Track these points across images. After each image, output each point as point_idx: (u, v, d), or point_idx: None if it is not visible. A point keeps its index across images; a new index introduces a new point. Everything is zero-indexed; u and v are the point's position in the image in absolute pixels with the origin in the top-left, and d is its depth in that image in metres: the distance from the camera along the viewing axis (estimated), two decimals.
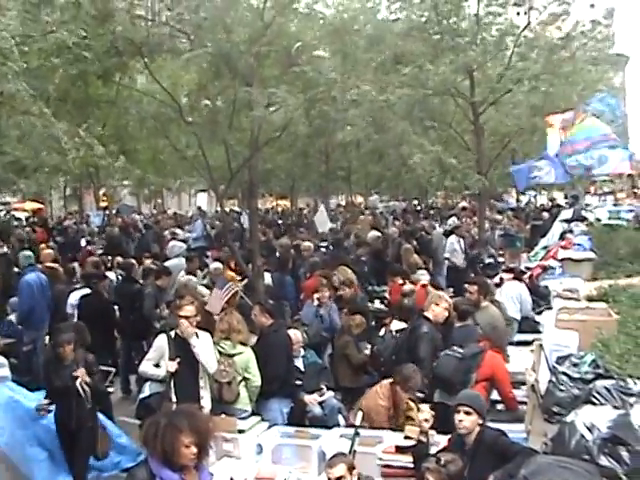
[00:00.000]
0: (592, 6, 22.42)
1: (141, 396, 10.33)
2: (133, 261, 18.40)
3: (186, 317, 10.12)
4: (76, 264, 19.73)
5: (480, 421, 7.33)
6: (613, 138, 20.32)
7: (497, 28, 21.18)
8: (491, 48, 21.21)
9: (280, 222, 36.48)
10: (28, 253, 16.31)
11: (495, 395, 10.27)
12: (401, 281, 16.08)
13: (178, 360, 9.96)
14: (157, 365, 10.23)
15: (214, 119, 16.55)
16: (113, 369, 12.86)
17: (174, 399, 9.92)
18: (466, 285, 13.37)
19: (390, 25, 20.31)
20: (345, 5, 21.51)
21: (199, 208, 42.32)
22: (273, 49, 15.62)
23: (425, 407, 8.53)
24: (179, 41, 15.48)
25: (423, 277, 16.05)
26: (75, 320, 13.93)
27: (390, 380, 10.26)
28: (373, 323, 14.48)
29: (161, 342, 10.23)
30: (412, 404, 9.90)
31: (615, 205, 22.29)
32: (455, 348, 10.28)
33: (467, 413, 7.34)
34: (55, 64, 14.81)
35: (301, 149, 26.32)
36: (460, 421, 7.35)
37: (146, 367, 10.23)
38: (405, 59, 18.99)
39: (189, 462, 6.32)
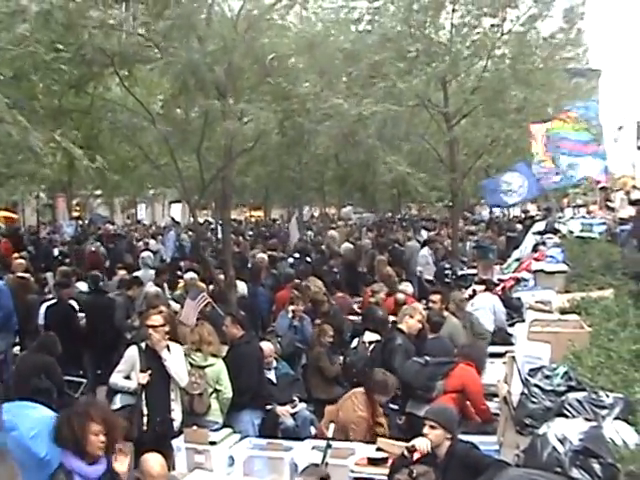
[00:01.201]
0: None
1: (113, 408, 10.25)
2: (98, 273, 18.37)
3: (153, 326, 10.08)
4: (49, 274, 19.62)
5: (448, 435, 7.31)
6: (593, 148, 20.43)
7: (471, 39, 21.24)
8: (465, 59, 21.28)
9: (252, 233, 36.48)
10: None
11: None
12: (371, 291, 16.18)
13: (149, 372, 9.91)
14: (127, 377, 10.18)
15: (186, 129, 16.52)
16: (84, 380, 12.83)
17: (145, 411, 9.88)
18: (430, 296, 13.50)
19: (364, 37, 20.32)
20: (319, 17, 21.53)
21: (172, 219, 42.16)
22: (247, 60, 15.58)
23: None
24: (151, 51, 15.39)
25: (408, 289, 16.09)
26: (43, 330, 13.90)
27: (362, 389, 10.24)
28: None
29: (132, 353, 10.18)
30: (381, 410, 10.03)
31: (587, 218, 22.33)
32: (425, 357, 10.33)
33: (432, 427, 7.33)
34: (28, 75, 14.74)
35: (274, 160, 26.28)
36: (426, 434, 7.35)
37: (116, 379, 10.18)
38: (379, 72, 18.98)
39: (98, 451, 6.57)
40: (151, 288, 16.53)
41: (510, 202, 24.18)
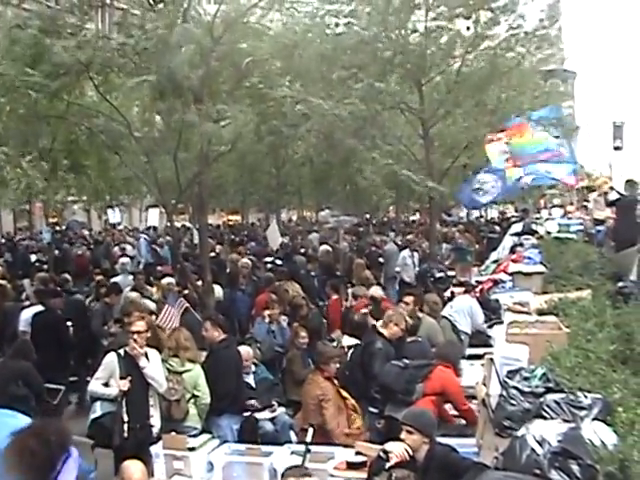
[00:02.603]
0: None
1: (93, 416, 10.19)
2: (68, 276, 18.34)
3: (138, 332, 10.11)
4: (26, 281, 19.51)
5: (425, 439, 7.29)
6: (559, 153, 20.51)
7: (444, 41, 21.28)
8: (439, 60, 21.34)
9: (232, 237, 36.34)
10: None
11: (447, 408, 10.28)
12: (335, 296, 16.23)
13: (129, 379, 9.89)
14: (106, 384, 10.14)
15: (163, 135, 16.48)
16: (62, 387, 12.74)
17: (126, 418, 9.86)
18: (403, 297, 13.52)
19: (339, 39, 20.31)
20: (294, 20, 21.51)
21: (147, 228, 41.98)
22: (223, 64, 15.55)
23: None
24: (126, 60, 15.32)
25: (377, 292, 16.05)
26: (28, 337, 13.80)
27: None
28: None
29: (110, 360, 10.16)
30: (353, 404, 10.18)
31: (564, 218, 22.42)
32: (403, 360, 10.34)
33: (409, 432, 7.31)
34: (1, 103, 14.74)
35: (251, 164, 26.27)
36: (404, 440, 7.33)
37: (95, 387, 10.16)
38: (355, 75, 18.99)
39: None
40: (131, 293, 16.45)
41: (482, 201, 24.24)
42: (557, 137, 20.84)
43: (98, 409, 10.14)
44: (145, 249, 28.64)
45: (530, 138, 20.84)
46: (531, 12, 22.85)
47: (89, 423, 10.25)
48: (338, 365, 11.01)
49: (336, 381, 10.91)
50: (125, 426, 9.89)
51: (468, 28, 21.52)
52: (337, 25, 21.08)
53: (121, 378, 9.97)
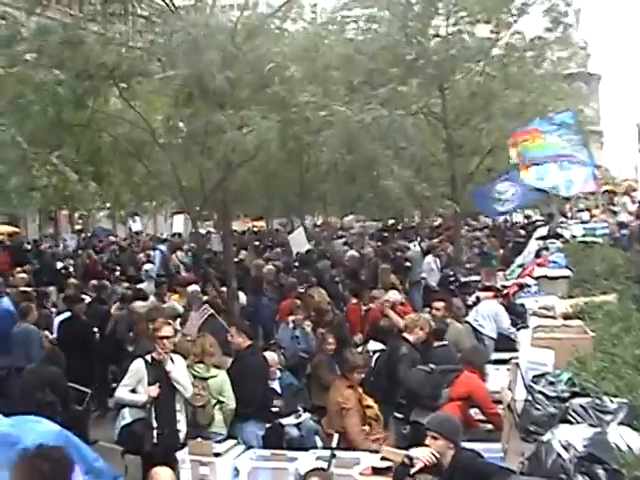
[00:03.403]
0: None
1: (123, 423, 10.19)
2: (106, 283, 18.40)
3: (167, 337, 10.14)
4: (52, 288, 19.60)
5: (450, 445, 7.26)
6: (575, 158, 20.38)
7: (466, 46, 21.26)
8: (460, 65, 21.33)
9: (256, 244, 36.31)
10: None
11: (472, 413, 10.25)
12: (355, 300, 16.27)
13: (158, 384, 9.93)
14: (133, 390, 10.17)
15: (187, 141, 16.51)
16: (89, 390, 12.80)
17: (155, 424, 9.89)
18: (433, 303, 13.49)
19: (360, 44, 20.32)
20: (314, 26, 21.54)
21: (173, 235, 41.96)
22: (245, 71, 15.57)
23: None
24: (151, 64, 15.38)
25: (394, 296, 16.02)
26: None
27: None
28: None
29: (137, 367, 10.18)
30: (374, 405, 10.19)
31: (590, 222, 22.30)
32: (429, 365, 10.32)
33: (434, 437, 7.28)
34: (27, 98, 14.78)
35: (275, 170, 26.25)
36: (429, 445, 7.31)
37: (123, 393, 10.19)
38: (376, 80, 18.96)
39: None
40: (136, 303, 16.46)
41: (502, 210, 24.20)
42: (572, 142, 20.72)
43: (127, 416, 10.15)
44: (159, 262, 28.52)
45: (542, 142, 20.75)
46: (540, 16, 22.88)
47: (119, 430, 10.26)
48: (362, 375, 11.00)
49: (360, 389, 10.90)
50: (154, 432, 9.94)
51: (492, 32, 21.51)
52: (357, 29, 21.12)
53: (149, 384, 10.01)
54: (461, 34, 21.24)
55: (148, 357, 10.25)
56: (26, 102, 14.84)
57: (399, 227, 42.23)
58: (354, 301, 16.65)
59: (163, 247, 32.14)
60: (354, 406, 10.58)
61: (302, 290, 17.27)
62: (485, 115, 22.88)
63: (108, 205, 38.53)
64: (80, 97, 15.62)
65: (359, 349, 13.06)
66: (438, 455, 7.19)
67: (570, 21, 23.75)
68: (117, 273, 24.24)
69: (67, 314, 15.23)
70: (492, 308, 14.39)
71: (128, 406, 10.21)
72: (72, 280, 19.46)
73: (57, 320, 15.26)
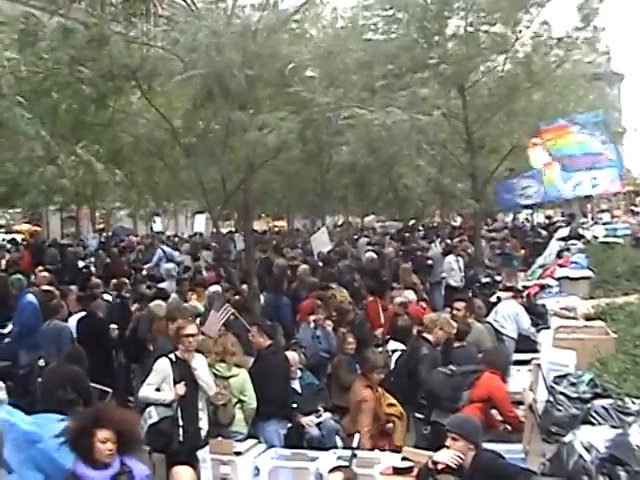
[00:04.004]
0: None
1: (150, 422, 10.19)
2: (125, 280, 18.48)
3: (192, 335, 10.18)
4: (74, 287, 19.65)
5: (471, 446, 7.25)
6: (603, 157, 20.32)
7: (485, 45, 21.22)
8: (479, 64, 21.30)
9: (276, 243, 36.32)
10: (18, 276, 16.16)
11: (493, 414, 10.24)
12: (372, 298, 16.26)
13: (184, 383, 9.98)
14: (157, 389, 10.19)
15: (208, 141, 16.55)
16: (109, 390, 12.84)
17: (181, 422, 9.94)
18: (454, 303, 13.47)
19: (377, 45, 20.31)
20: (334, 27, 21.55)
21: (194, 234, 41.94)
22: (266, 71, 15.59)
23: None
24: (173, 64, 15.41)
25: (410, 295, 16.01)
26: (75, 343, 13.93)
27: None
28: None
29: (163, 366, 10.21)
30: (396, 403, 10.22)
31: (611, 223, 22.26)
32: (450, 366, 10.30)
33: (454, 439, 7.27)
34: (49, 93, 14.84)
35: (296, 170, 26.29)
36: (449, 447, 7.31)
37: (148, 392, 10.18)
38: (395, 84, 18.93)
39: (106, 458, 6.70)
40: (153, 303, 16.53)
41: (523, 203, 24.18)
42: (601, 141, 20.67)
43: (154, 415, 10.13)
44: (156, 262, 28.44)
45: (572, 140, 20.70)
46: (565, 15, 22.82)
47: (146, 429, 10.25)
48: (382, 376, 11.00)
49: (380, 389, 10.90)
50: (180, 430, 9.99)
51: (513, 32, 21.47)
52: (375, 29, 21.11)
53: (175, 383, 10.04)
54: (478, 33, 21.18)
55: (172, 356, 10.27)
56: (49, 97, 14.91)
57: (420, 227, 42.16)
58: (371, 299, 16.65)
59: (165, 247, 32.28)
60: (369, 406, 10.60)
61: (322, 290, 17.23)
62: (506, 114, 22.84)
63: (128, 204, 38.75)
64: (102, 97, 15.68)
65: (379, 349, 13.03)
66: (463, 457, 7.19)
67: (601, 23, 23.72)
68: (144, 272, 24.23)
69: (82, 313, 15.26)
70: (513, 308, 14.38)
71: (153, 405, 10.22)
72: (94, 280, 19.48)
73: (73, 319, 15.26)
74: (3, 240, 37.54)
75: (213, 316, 13.95)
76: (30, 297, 15.35)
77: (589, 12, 22.64)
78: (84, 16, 16.57)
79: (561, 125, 21.28)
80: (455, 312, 13.34)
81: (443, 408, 9.92)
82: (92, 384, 12.00)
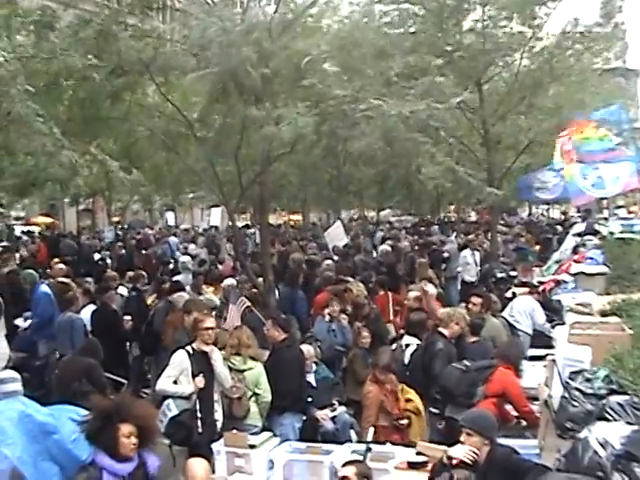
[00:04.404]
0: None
1: (170, 414, 10.17)
2: (142, 272, 18.52)
3: (211, 329, 10.25)
4: (90, 279, 19.69)
5: (485, 441, 7.25)
6: (621, 152, 20.23)
7: (502, 41, 21.17)
8: (496, 59, 21.26)
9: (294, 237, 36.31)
10: (30, 271, 16.19)
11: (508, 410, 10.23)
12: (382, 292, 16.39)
13: (202, 375, 10.01)
14: (174, 382, 10.21)
15: (224, 135, 16.55)
16: (125, 380, 12.90)
17: (199, 415, 9.98)
18: (470, 298, 13.45)
19: (396, 38, 20.28)
20: (350, 19, 21.51)
21: (209, 228, 41.92)
22: (281, 65, 15.58)
23: None
24: (187, 59, 15.41)
25: (431, 290, 15.97)
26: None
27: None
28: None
29: (181, 358, 10.22)
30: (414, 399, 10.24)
31: (628, 219, 22.13)
32: (463, 362, 10.29)
33: (469, 434, 7.27)
34: (63, 85, 14.86)
35: (312, 164, 26.27)
36: (464, 442, 7.31)
37: (167, 385, 10.17)
38: (415, 70, 18.88)
39: (130, 452, 6.82)
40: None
41: (542, 197, 24.12)
42: (620, 136, 20.58)
43: (174, 408, 10.11)
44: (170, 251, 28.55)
45: (592, 134, 20.62)
46: (586, 10, 22.74)
47: (167, 422, 10.24)
48: (390, 373, 10.98)
49: (396, 384, 10.89)
50: (199, 422, 10.02)
51: (530, 26, 21.41)
52: (391, 23, 21.09)
53: (194, 375, 10.07)
54: (495, 28, 21.13)
55: (189, 348, 10.29)
56: (62, 91, 14.94)
57: (435, 221, 42.14)
58: (382, 292, 16.67)
59: (174, 239, 32.37)
60: (372, 401, 10.63)
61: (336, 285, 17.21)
62: (523, 109, 22.79)
63: (144, 198, 38.88)
64: (116, 91, 15.70)
65: (394, 345, 13.02)
66: (477, 453, 7.19)
67: (622, 18, 23.65)
68: (171, 266, 24.29)
69: (92, 305, 15.33)
70: (529, 304, 14.36)
71: (172, 398, 10.22)
72: (110, 272, 19.55)
73: (85, 312, 15.31)
74: (22, 232, 37.69)
75: (234, 310, 14.01)
76: (44, 288, 15.42)
77: (611, 9, 22.57)
78: (98, 8, 16.62)
79: (580, 121, 21.20)
80: (471, 307, 13.33)
81: (458, 404, 9.92)
82: (108, 375, 12.08)
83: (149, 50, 14.90)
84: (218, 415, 10.31)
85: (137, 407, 7.17)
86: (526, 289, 15.23)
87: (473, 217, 48.00)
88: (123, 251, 28.37)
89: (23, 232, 38.10)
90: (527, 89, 21.79)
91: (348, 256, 23.39)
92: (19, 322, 15.32)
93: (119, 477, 6.86)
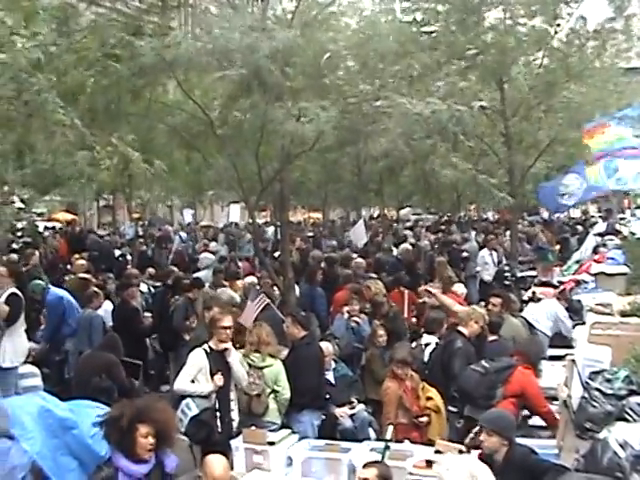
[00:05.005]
0: None
1: (191, 414, 10.14)
2: (174, 268, 18.63)
3: (228, 327, 10.26)
4: (110, 275, 19.75)
5: (504, 441, 7.25)
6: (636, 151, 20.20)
7: (523, 39, 21.10)
8: (518, 57, 21.21)
9: (311, 235, 36.27)
10: (37, 282, 16.14)
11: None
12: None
13: (221, 373, 10.02)
14: (192, 381, 10.21)
15: (244, 132, 16.55)
16: (140, 362, 12.94)
17: (218, 414, 10.02)
18: (490, 298, 13.42)
19: (415, 36, 20.24)
20: (370, 16, 21.50)
21: (229, 224, 41.94)
22: (302, 61, 15.58)
23: None
24: (208, 58, 15.39)
25: (459, 289, 15.92)
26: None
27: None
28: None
29: (199, 357, 10.22)
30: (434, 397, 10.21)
31: None
32: (482, 362, 10.26)
33: (488, 434, 7.28)
34: (84, 75, 14.89)
35: (332, 161, 26.24)
36: (482, 441, 7.31)
37: (185, 385, 10.12)
38: (433, 74, 18.84)
39: (146, 453, 6.84)
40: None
41: (569, 204, 24.04)
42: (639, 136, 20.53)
43: (194, 407, 10.06)
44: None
45: (610, 134, 20.58)
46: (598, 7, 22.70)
47: (187, 421, 10.19)
48: (407, 368, 10.94)
49: (417, 382, 10.87)
50: (219, 421, 10.05)
51: (551, 25, 21.34)
52: (414, 21, 21.06)
53: (212, 374, 10.07)
54: (517, 26, 21.07)
55: (206, 347, 10.29)
56: (82, 75, 14.97)
57: (455, 220, 42.00)
58: (396, 290, 16.68)
59: (183, 234, 32.44)
60: (390, 398, 10.61)
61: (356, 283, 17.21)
62: (544, 108, 22.72)
63: (167, 193, 38.97)
64: (137, 89, 15.72)
65: (413, 344, 12.99)
66: (491, 452, 7.19)
67: (633, 11, 23.47)
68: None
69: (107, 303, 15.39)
70: (552, 308, 14.27)
71: (190, 397, 10.19)
72: (132, 270, 19.63)
73: (107, 306, 15.38)
74: (44, 228, 37.79)
75: (249, 306, 14.02)
76: (53, 291, 15.47)
77: (620, 3, 22.48)
78: (121, 5, 16.67)
79: (599, 124, 21.17)
80: (491, 307, 13.29)
81: (477, 405, 9.91)
82: (125, 359, 12.16)
83: (170, 48, 14.90)
84: (234, 414, 10.33)
85: (157, 409, 7.17)
86: (549, 290, 15.19)
87: (489, 216, 47.85)
88: (144, 247, 28.44)
89: (46, 228, 38.21)
90: (546, 88, 21.69)
91: (367, 254, 23.39)
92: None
93: (135, 478, 6.91)
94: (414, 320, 15.70)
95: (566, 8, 21.50)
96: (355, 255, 21.98)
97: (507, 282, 20.30)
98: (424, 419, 10.59)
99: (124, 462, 6.83)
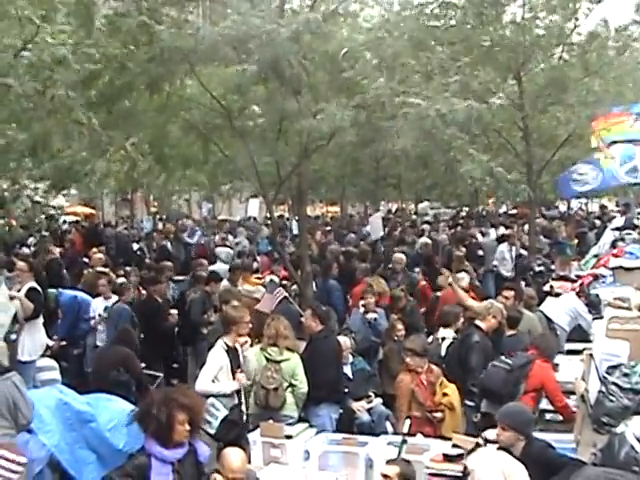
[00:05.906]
0: None
1: (220, 415, 10.03)
2: (204, 261, 18.70)
3: (245, 322, 10.37)
4: (128, 269, 19.80)
5: (520, 436, 7.24)
6: None
7: (542, 33, 21.04)
8: (536, 52, 21.13)
9: (329, 228, 36.23)
10: (52, 290, 16.12)
11: (544, 404, 10.21)
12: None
13: (240, 370, 10.06)
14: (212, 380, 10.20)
15: (263, 126, 16.56)
16: (160, 374, 12.95)
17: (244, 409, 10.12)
18: (503, 291, 13.40)
19: (433, 32, 20.18)
20: (388, 11, 21.44)
21: (247, 219, 41.91)
22: (320, 56, 15.58)
23: None
24: (226, 50, 15.37)
25: (463, 280, 15.86)
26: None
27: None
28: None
29: (220, 356, 10.21)
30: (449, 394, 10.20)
31: None
32: (503, 358, 10.23)
33: (504, 429, 7.28)
34: (101, 72, 14.91)
35: (350, 155, 26.20)
36: (498, 435, 7.32)
37: (208, 385, 10.01)
38: (451, 69, 18.77)
39: (183, 439, 7.02)
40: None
41: (580, 190, 23.97)
42: None
43: (221, 407, 9.93)
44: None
45: (626, 128, 20.52)
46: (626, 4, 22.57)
47: (218, 423, 10.06)
48: (421, 358, 10.89)
49: (423, 375, 10.82)
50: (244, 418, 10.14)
51: (569, 19, 21.28)
52: (431, 15, 20.99)
53: (233, 372, 10.09)
54: (536, 20, 21.01)
55: (222, 343, 10.29)
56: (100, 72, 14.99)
57: (471, 215, 41.93)
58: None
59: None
60: (403, 391, 10.63)
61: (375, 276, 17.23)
62: (563, 103, 22.64)
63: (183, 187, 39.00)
64: (155, 81, 15.72)
65: (430, 338, 12.97)
66: (508, 446, 7.20)
67: None
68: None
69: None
70: (571, 303, 14.22)
71: (213, 397, 10.11)
72: (166, 263, 19.67)
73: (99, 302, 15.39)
74: (64, 222, 37.88)
75: (268, 297, 14.09)
76: (66, 293, 15.55)
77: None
78: None
79: (615, 113, 21.10)
80: (503, 300, 13.26)
81: (501, 403, 9.88)
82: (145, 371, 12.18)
83: (189, 40, 14.89)
84: (243, 407, 10.37)
85: (191, 396, 7.42)
86: (567, 284, 15.15)
87: (503, 209, 47.67)
88: (163, 242, 28.46)
89: (64, 222, 38.28)
90: (565, 82, 21.60)
91: (376, 248, 23.49)
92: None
93: (168, 463, 6.99)
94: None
95: (586, 3, 21.38)
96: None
97: (525, 276, 20.28)
98: (438, 415, 10.57)
99: (157, 448, 6.92)
